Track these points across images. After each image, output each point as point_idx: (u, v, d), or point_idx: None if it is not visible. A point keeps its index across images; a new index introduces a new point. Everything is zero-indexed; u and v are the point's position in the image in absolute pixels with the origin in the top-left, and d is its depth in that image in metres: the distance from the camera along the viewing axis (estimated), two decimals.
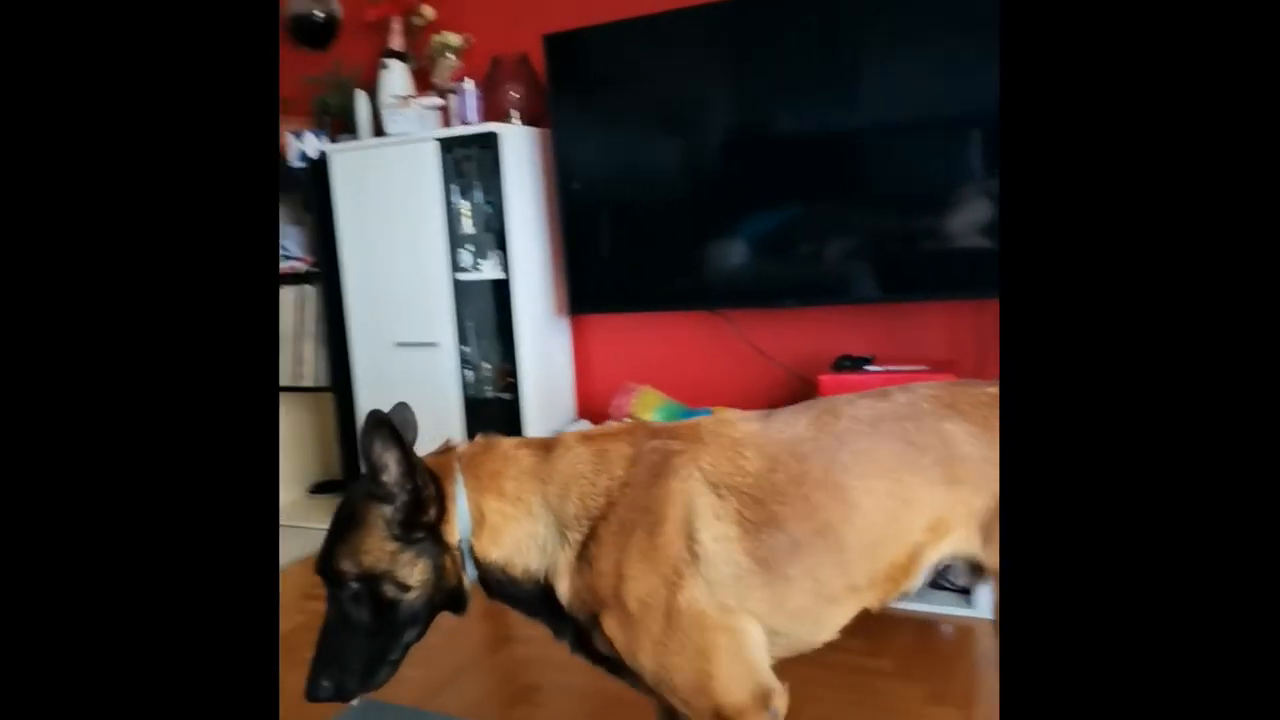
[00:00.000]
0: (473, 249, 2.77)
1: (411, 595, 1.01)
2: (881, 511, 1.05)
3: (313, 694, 0.98)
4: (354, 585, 0.99)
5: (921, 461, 1.06)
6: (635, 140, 2.59)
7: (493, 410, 2.79)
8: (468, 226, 2.78)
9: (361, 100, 2.95)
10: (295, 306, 3.12)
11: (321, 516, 3.13)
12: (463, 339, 2.79)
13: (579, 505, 1.04)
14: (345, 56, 3.17)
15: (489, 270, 2.74)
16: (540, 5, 2.78)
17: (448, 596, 1.05)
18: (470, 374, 2.83)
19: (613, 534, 1.02)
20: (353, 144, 2.88)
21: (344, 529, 1.00)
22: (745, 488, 1.04)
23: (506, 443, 1.12)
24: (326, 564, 1.00)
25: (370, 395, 2.95)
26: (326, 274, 2.96)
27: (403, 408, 1.14)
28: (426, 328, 2.80)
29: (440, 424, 2.81)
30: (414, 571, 1.01)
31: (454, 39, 2.79)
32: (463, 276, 2.76)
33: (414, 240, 2.77)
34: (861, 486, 1.05)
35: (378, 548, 0.99)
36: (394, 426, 0.98)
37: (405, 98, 2.82)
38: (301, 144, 2.98)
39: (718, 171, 2.49)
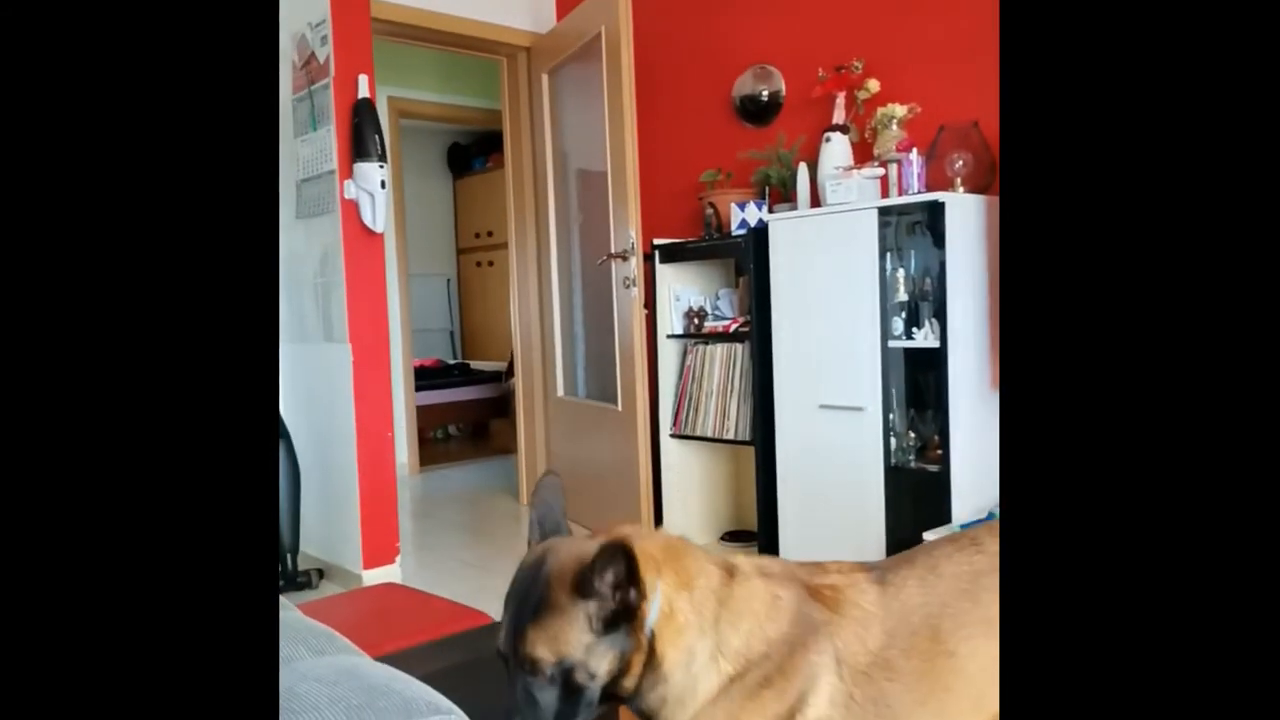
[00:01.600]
0: (905, 317, 2.76)
1: (598, 682, 1.00)
2: (985, 671, 1.09)
3: None
4: (547, 672, 0.97)
5: None
6: None
7: (915, 481, 2.73)
8: (901, 294, 2.77)
9: (802, 172, 3.09)
10: (724, 363, 3.33)
11: None
12: (888, 406, 2.77)
13: (743, 642, 1.03)
14: (787, 130, 3.36)
15: (921, 339, 2.70)
16: (988, 72, 2.73)
17: (626, 681, 1.03)
18: (894, 442, 2.80)
19: (757, 684, 1.03)
20: (793, 213, 3.03)
21: (539, 614, 0.98)
22: (863, 666, 1.07)
23: (698, 550, 1.10)
24: (518, 648, 0.98)
25: (792, 453, 3.04)
26: (758, 334, 3.12)
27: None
28: (852, 392, 2.83)
29: (860, 490, 2.82)
30: (605, 661, 1.00)
31: (899, 110, 2.83)
32: (894, 344, 2.76)
33: (846, 305, 2.83)
34: (966, 650, 1.09)
35: (576, 640, 0.97)
36: (630, 554, 0.96)
37: (846, 169, 2.91)
38: (743, 213, 3.19)
39: None
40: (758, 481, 3.13)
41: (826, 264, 2.89)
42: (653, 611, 1.01)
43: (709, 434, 3.37)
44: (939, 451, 2.68)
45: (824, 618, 1.08)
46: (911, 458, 2.80)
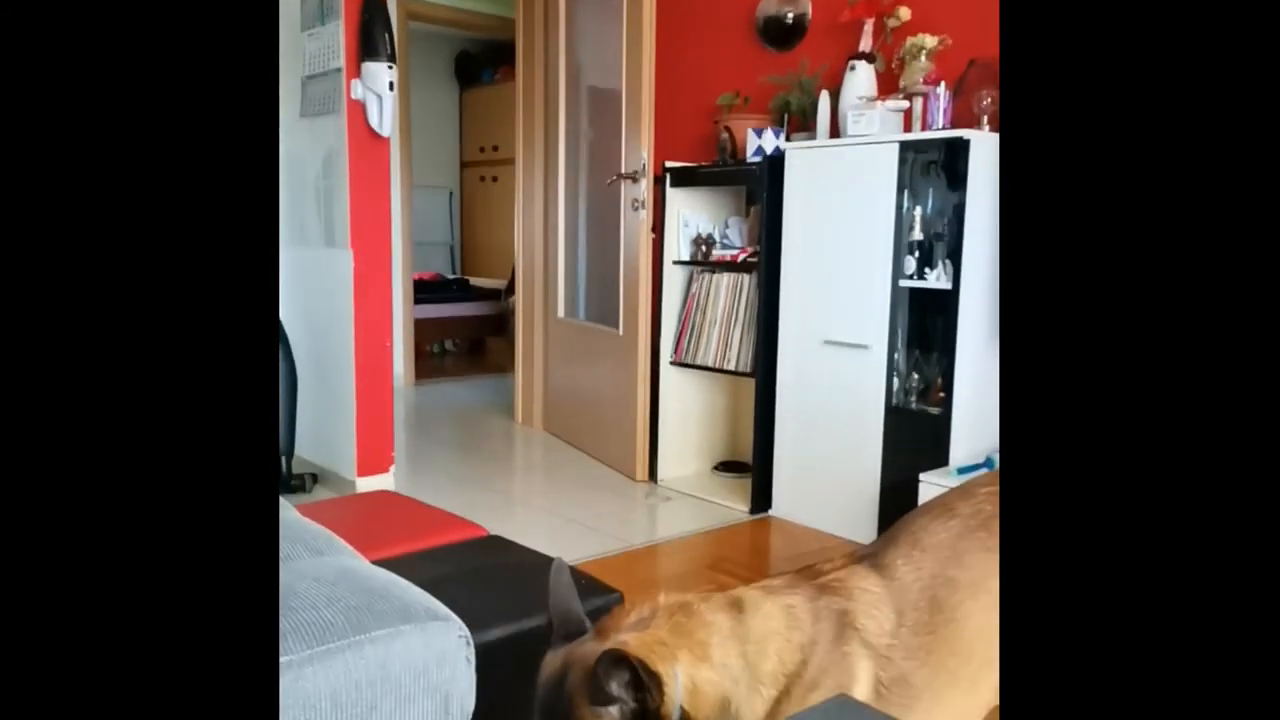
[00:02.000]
0: (918, 257, 2.71)
1: None
2: (990, 625, 1.15)
3: None
4: None
5: None
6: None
7: (915, 422, 2.72)
8: (916, 233, 2.72)
9: (823, 100, 3.01)
10: (730, 293, 3.29)
11: (723, 492, 3.30)
12: (893, 346, 2.75)
13: (776, 662, 1.04)
14: (811, 56, 3.25)
15: (933, 280, 2.66)
16: None
17: None
18: (896, 382, 2.78)
19: (804, 692, 1.04)
20: (811, 143, 2.95)
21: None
22: (883, 648, 1.10)
23: (701, 607, 1.06)
24: None
25: (792, 387, 3.02)
26: (766, 266, 3.07)
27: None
28: (858, 330, 2.80)
29: (858, 428, 2.81)
30: None
31: (930, 41, 2.73)
32: (905, 283, 2.72)
33: (859, 242, 2.78)
34: (962, 614, 1.14)
35: None
36: (628, 659, 0.92)
37: (870, 99, 2.82)
38: (760, 140, 3.11)
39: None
40: (756, 414, 3.13)
41: (842, 197, 2.83)
42: (678, 693, 0.99)
43: (710, 363, 3.35)
44: (941, 394, 2.67)
45: (842, 606, 1.10)
46: (913, 399, 2.79)
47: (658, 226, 3.47)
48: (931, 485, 2.50)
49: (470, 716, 1.22)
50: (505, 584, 1.54)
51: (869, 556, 1.19)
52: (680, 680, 0.99)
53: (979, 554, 1.17)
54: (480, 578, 1.56)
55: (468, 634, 1.23)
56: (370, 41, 3.00)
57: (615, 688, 0.94)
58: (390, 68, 3.02)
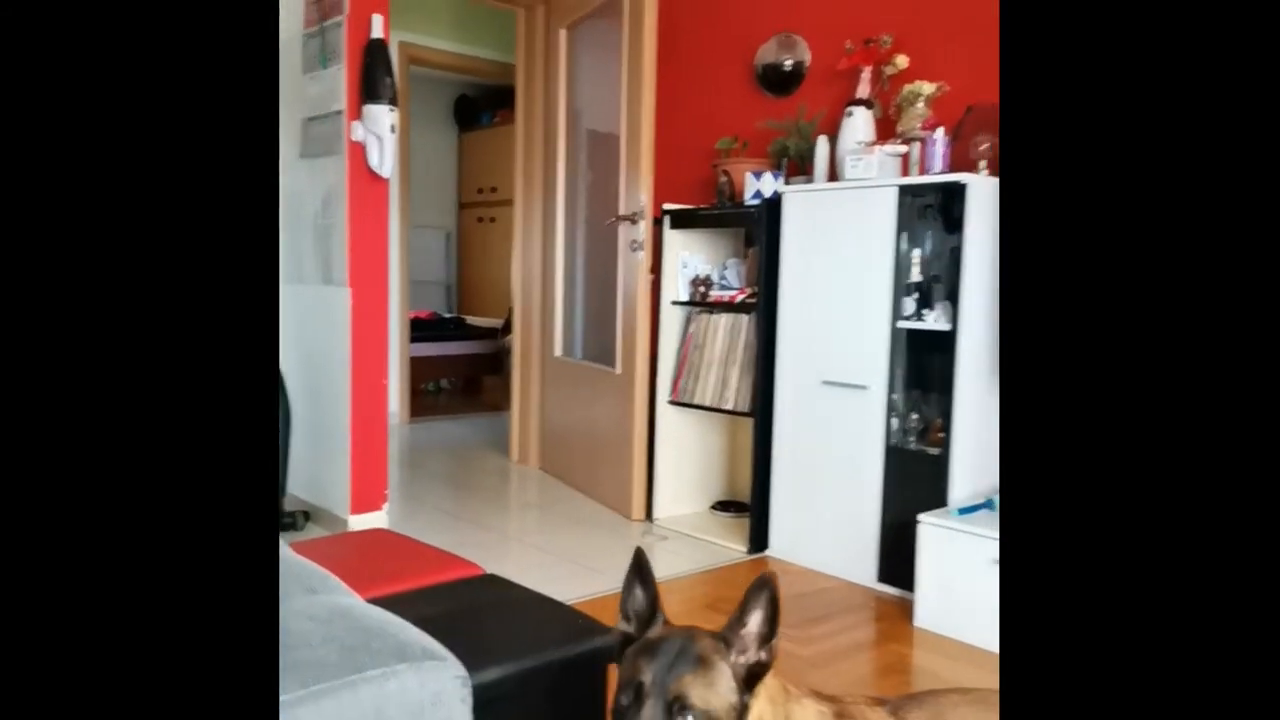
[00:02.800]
0: (917, 298, 2.73)
1: None
2: None
3: None
4: (690, 716, 1.00)
5: None
6: None
7: (914, 462, 2.72)
8: (915, 275, 2.74)
9: (821, 145, 3.05)
10: (728, 333, 3.30)
11: (720, 532, 3.28)
12: (892, 386, 2.75)
13: None
14: (809, 101, 3.30)
15: (932, 321, 2.68)
16: None
17: None
18: (896, 422, 2.78)
19: None
20: (809, 186, 2.99)
21: (698, 667, 1.03)
22: None
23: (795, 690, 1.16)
24: (675, 689, 1.01)
25: (790, 427, 3.02)
26: (764, 307, 3.08)
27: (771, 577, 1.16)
28: (857, 370, 2.80)
29: (857, 469, 2.80)
30: None
31: (928, 87, 2.78)
32: (903, 324, 2.73)
33: (857, 283, 2.80)
34: None
35: (728, 690, 1.03)
36: (773, 589, 1.06)
37: (868, 144, 2.86)
38: (758, 183, 3.15)
39: None
40: (754, 454, 3.12)
41: (840, 240, 2.85)
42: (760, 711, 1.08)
43: (707, 403, 3.35)
44: (941, 434, 2.66)
45: None
46: (912, 439, 2.79)
47: (656, 267, 3.49)
48: (931, 526, 2.49)
49: None
50: (502, 623, 1.52)
51: (892, 704, 1.22)
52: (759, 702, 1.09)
53: None
54: (477, 617, 1.53)
55: (464, 673, 1.21)
56: (372, 84, 3.04)
57: (748, 633, 1.06)
58: (391, 110, 3.05)
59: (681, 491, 3.55)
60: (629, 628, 1.14)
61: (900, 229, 2.71)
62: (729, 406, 3.27)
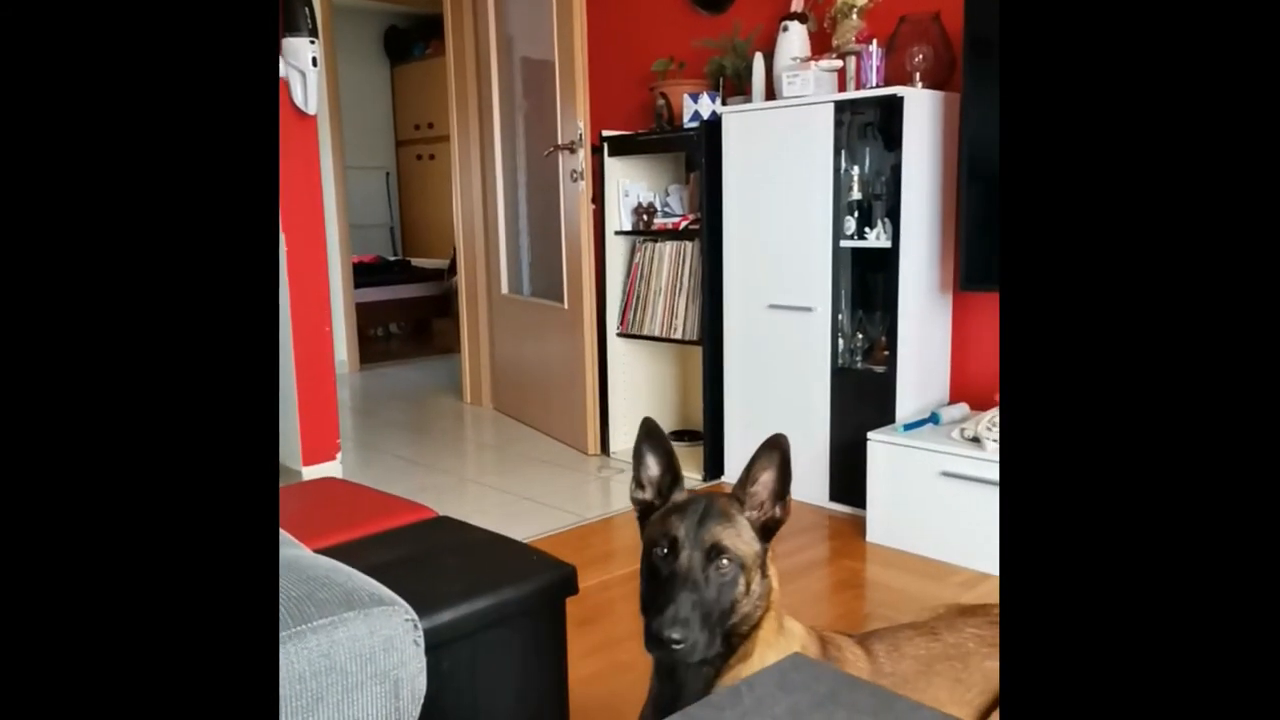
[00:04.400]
0: (857, 216, 2.71)
1: (747, 603, 1.10)
2: None
3: (673, 638, 1.03)
4: (725, 561, 1.08)
5: (967, 696, 1.25)
6: None
7: (861, 382, 2.74)
8: (855, 193, 2.72)
9: (758, 63, 2.98)
10: (673, 261, 3.27)
11: None
12: (836, 307, 2.76)
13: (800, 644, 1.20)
14: (744, 18, 3.22)
15: (873, 239, 2.67)
16: None
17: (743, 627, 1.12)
18: (842, 343, 2.79)
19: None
20: (747, 106, 2.93)
21: (720, 519, 1.11)
22: None
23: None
24: (709, 539, 1.08)
25: (739, 353, 3.02)
26: (708, 232, 3.05)
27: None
28: (802, 292, 2.80)
29: (806, 390, 2.82)
30: (757, 580, 1.12)
31: None
32: (845, 244, 2.72)
33: (799, 204, 2.78)
34: None
35: (751, 540, 1.12)
36: (784, 449, 1.14)
37: (803, 60, 2.81)
38: (696, 105, 3.08)
39: None
40: (704, 381, 3.12)
41: (780, 160, 2.82)
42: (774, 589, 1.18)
43: (656, 333, 3.33)
44: (885, 352, 2.69)
45: (835, 656, 1.24)
46: (858, 359, 2.81)
47: (598, 197, 3.43)
48: (879, 443, 2.52)
49: (422, 700, 1.19)
50: (454, 565, 1.51)
51: (857, 637, 1.32)
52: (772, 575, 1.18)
53: (946, 682, 1.26)
54: (428, 560, 1.52)
55: (415, 617, 1.20)
56: (290, 15, 2.89)
57: (762, 488, 1.15)
58: (312, 42, 2.92)
59: (636, 423, 3.54)
60: (645, 495, 1.20)
61: (839, 146, 2.68)
62: (678, 336, 3.26)
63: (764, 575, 1.14)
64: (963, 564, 2.38)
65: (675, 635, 1.03)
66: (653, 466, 1.20)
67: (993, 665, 1.29)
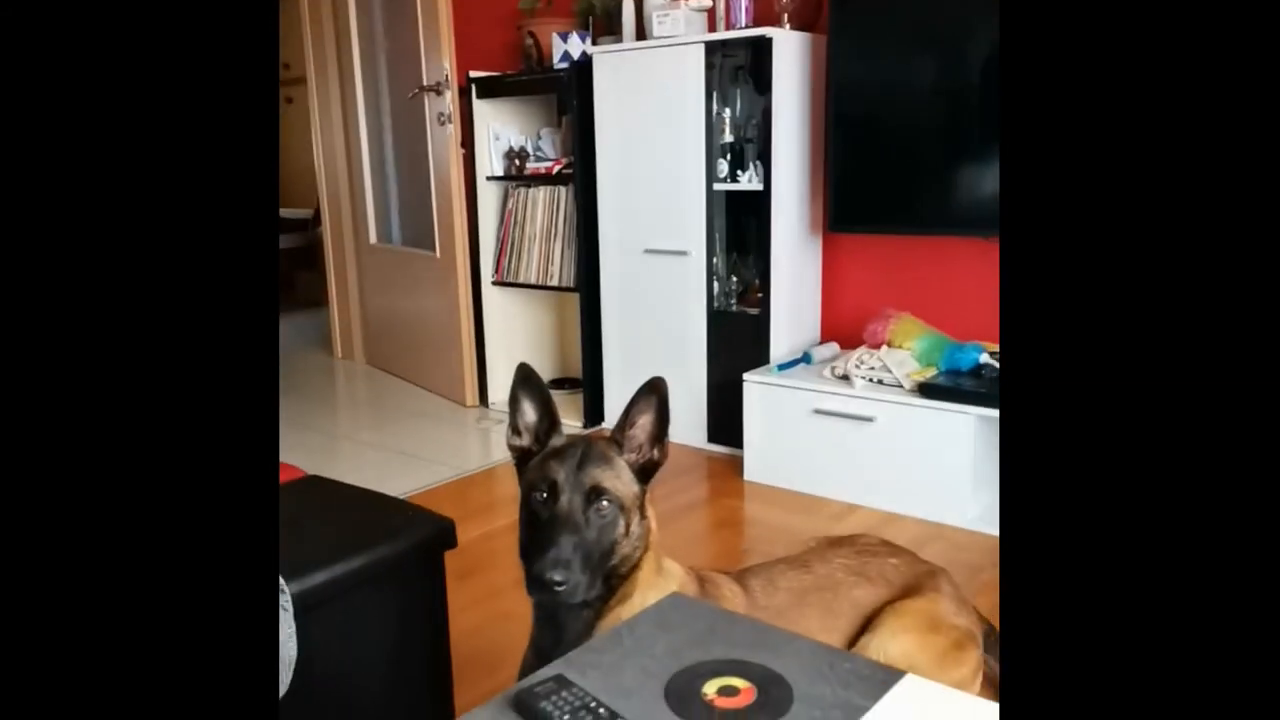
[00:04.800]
0: (729, 159, 2.72)
1: (627, 544, 1.12)
2: None
3: (555, 579, 1.03)
4: (605, 503, 1.09)
5: (838, 624, 1.32)
6: (915, 54, 2.42)
7: (737, 324, 2.78)
8: (726, 135, 2.73)
9: (627, 2, 2.92)
10: (547, 207, 3.21)
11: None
12: (711, 250, 2.77)
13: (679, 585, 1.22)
14: None
15: (746, 181, 2.69)
16: None
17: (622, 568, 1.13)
18: (717, 286, 2.82)
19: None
20: (616, 46, 2.88)
21: (603, 462, 1.12)
22: None
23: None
24: (589, 481, 1.09)
25: (616, 299, 3.01)
26: (582, 176, 3.01)
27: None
28: (678, 236, 2.80)
29: (683, 334, 2.84)
30: (636, 522, 1.12)
31: None
32: (719, 187, 2.73)
33: (672, 147, 2.76)
34: None
35: (630, 482, 1.13)
36: (662, 392, 1.14)
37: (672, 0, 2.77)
38: (565, 45, 3.00)
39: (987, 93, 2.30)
40: (582, 328, 3.10)
41: (652, 102, 2.78)
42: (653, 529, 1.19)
43: (532, 280, 3.28)
44: (759, 295, 2.73)
45: (713, 593, 1.25)
46: (733, 301, 2.85)
47: (467, 141, 3.31)
48: (754, 384, 2.57)
49: (293, 666, 1.15)
50: (322, 526, 1.46)
51: (735, 574, 1.35)
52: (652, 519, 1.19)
53: (817, 612, 1.31)
54: (294, 522, 1.46)
55: (281, 582, 1.15)
56: None
57: (640, 431, 1.15)
58: None
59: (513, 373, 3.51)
60: (523, 442, 1.19)
61: (710, 88, 2.67)
62: (554, 283, 3.21)
63: (643, 516, 1.15)
64: (834, 497, 2.47)
65: (557, 577, 1.03)
66: (529, 413, 1.19)
67: (860, 594, 1.35)
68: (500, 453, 2.96)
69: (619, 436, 1.15)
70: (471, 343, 3.43)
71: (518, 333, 3.52)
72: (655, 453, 1.16)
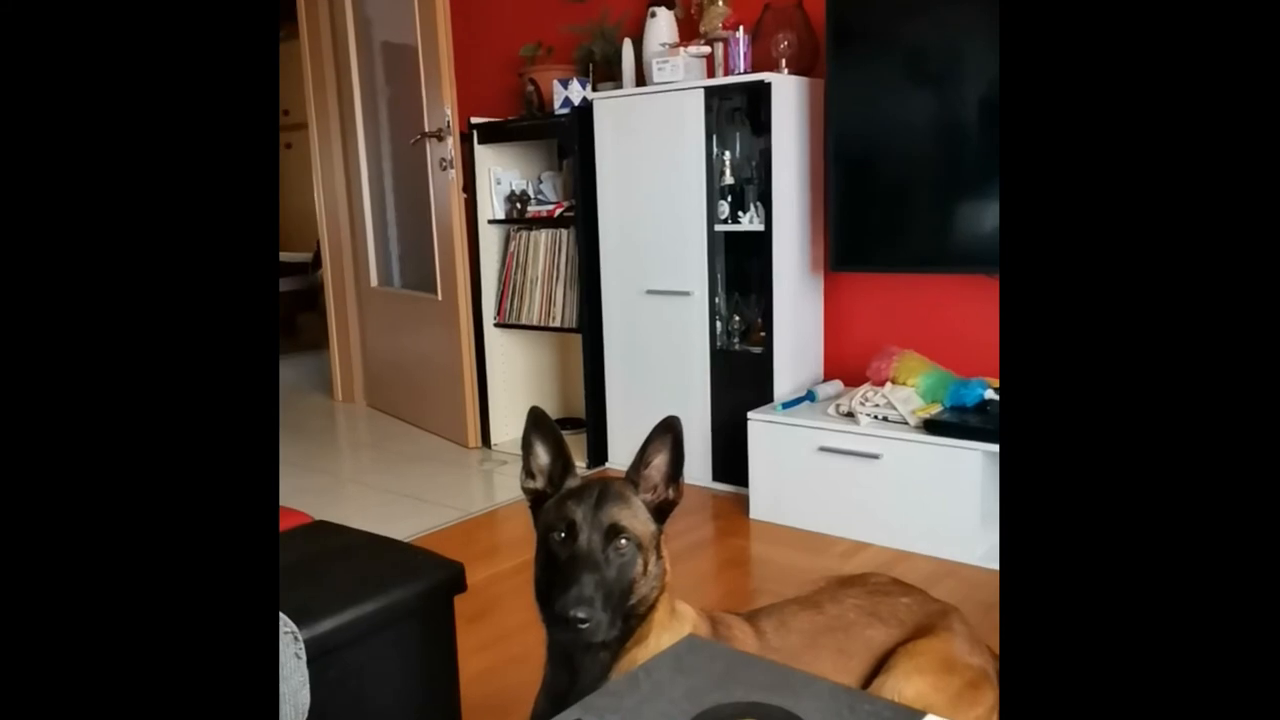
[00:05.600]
0: (730, 201, 2.75)
1: (645, 584, 1.11)
2: None
3: (578, 616, 1.03)
4: (624, 541, 1.09)
5: (850, 665, 1.30)
6: (911, 96, 2.47)
7: (740, 364, 2.79)
8: (727, 178, 2.76)
9: (626, 49, 2.98)
10: (549, 249, 3.24)
11: None
12: (713, 290, 2.80)
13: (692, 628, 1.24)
14: (611, 4, 3.21)
15: (746, 222, 2.72)
16: None
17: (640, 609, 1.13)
18: (719, 325, 2.83)
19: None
20: (617, 92, 2.92)
21: (620, 502, 1.12)
22: None
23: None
24: (607, 520, 1.09)
25: (619, 339, 3.02)
26: (583, 219, 3.03)
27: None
28: (679, 277, 2.82)
29: (685, 374, 2.85)
30: (653, 561, 1.12)
31: None
32: (720, 227, 2.76)
33: (672, 189, 2.79)
34: None
35: (646, 521, 1.13)
36: (677, 431, 1.16)
37: (672, 46, 2.82)
38: (566, 91, 3.05)
39: (984, 131, 2.34)
40: (585, 369, 3.11)
41: (652, 146, 2.82)
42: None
43: (534, 322, 3.29)
44: (762, 334, 2.74)
45: (725, 635, 1.25)
46: (736, 341, 2.86)
47: (469, 186, 3.35)
48: (759, 422, 2.58)
49: (306, 712, 1.14)
50: (335, 571, 1.45)
51: (746, 616, 1.34)
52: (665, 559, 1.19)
53: (830, 653, 1.30)
54: (307, 567, 1.45)
55: (294, 628, 1.15)
56: None
57: (655, 471, 1.16)
58: None
59: (516, 415, 3.51)
60: (536, 485, 1.19)
61: (710, 132, 2.71)
62: (556, 324, 3.23)
63: (659, 556, 1.14)
64: (842, 535, 2.46)
65: (581, 614, 1.02)
66: (542, 455, 1.19)
67: (872, 634, 1.34)
68: (504, 494, 2.95)
69: (634, 476, 1.15)
70: (474, 385, 3.43)
71: (520, 374, 3.52)
72: (670, 492, 1.16)
